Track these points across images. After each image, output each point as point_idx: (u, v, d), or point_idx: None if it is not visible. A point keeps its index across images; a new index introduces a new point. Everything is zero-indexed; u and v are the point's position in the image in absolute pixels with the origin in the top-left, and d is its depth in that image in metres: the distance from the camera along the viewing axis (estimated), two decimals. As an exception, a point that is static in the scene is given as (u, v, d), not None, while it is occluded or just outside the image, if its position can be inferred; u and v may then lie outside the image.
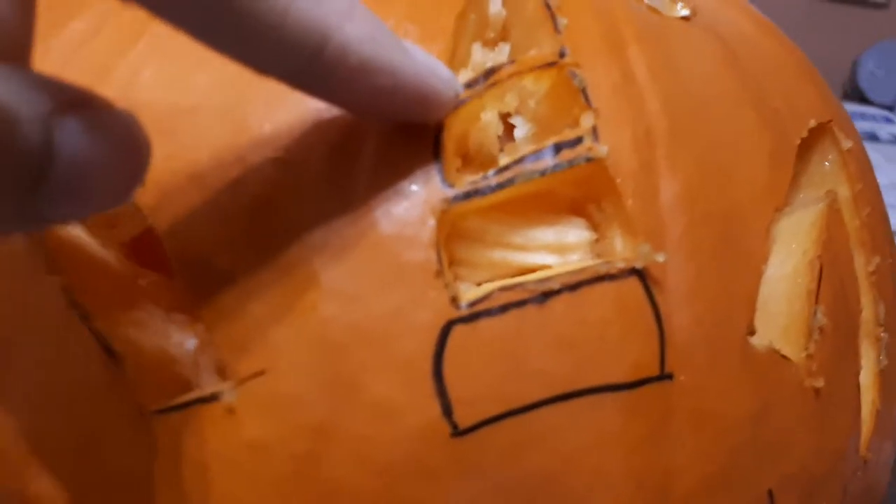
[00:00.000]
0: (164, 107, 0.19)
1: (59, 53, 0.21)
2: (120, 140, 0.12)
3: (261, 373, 0.17)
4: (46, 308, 0.18)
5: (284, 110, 0.18)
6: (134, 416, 0.17)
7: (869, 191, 0.25)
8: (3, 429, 0.18)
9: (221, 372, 0.17)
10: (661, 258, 0.18)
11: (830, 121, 0.25)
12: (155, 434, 0.17)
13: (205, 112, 0.18)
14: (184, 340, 0.18)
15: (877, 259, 0.24)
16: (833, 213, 0.22)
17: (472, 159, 0.20)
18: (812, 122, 0.24)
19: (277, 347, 0.17)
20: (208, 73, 0.19)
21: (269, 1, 0.13)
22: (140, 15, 0.21)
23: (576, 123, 0.19)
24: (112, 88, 0.20)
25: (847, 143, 0.25)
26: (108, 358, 0.17)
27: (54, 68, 0.21)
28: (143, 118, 0.19)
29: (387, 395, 0.16)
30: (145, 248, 0.19)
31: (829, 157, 0.25)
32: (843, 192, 0.24)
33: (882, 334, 0.24)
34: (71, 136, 0.11)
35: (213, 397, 0.17)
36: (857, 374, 0.22)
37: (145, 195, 0.18)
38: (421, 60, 0.16)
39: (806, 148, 0.25)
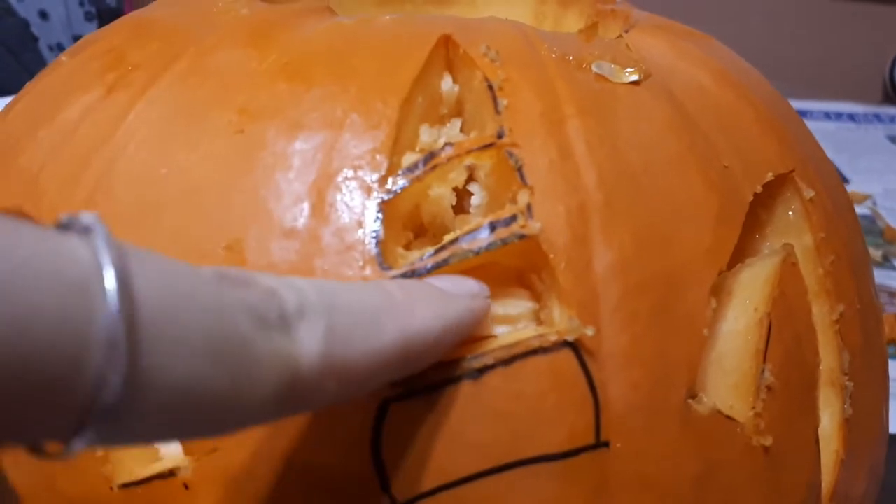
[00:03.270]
0: (131, 200, 0.20)
1: (48, 144, 0.23)
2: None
3: (214, 450, 0.18)
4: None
5: (236, 200, 0.19)
6: (102, 489, 0.18)
7: (835, 238, 0.25)
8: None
9: (186, 447, 0.19)
10: (590, 332, 0.18)
11: (792, 171, 0.25)
12: (123, 507, 0.18)
13: (168, 204, 0.20)
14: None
15: (841, 307, 0.24)
16: (788, 268, 0.23)
17: (427, 230, 0.21)
18: (769, 175, 0.24)
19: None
20: (169, 166, 0.20)
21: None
22: (120, 105, 0.23)
23: (515, 199, 0.20)
24: (91, 178, 0.22)
25: (809, 193, 0.25)
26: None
27: (43, 156, 0.23)
28: (116, 210, 0.21)
29: (327, 471, 0.17)
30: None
31: (793, 206, 0.25)
32: (807, 240, 0.25)
33: (847, 382, 0.24)
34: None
35: (171, 473, 0.18)
36: (815, 427, 0.22)
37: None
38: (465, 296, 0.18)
39: (770, 198, 0.25)
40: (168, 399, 0.12)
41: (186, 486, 0.18)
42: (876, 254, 0.72)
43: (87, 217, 0.12)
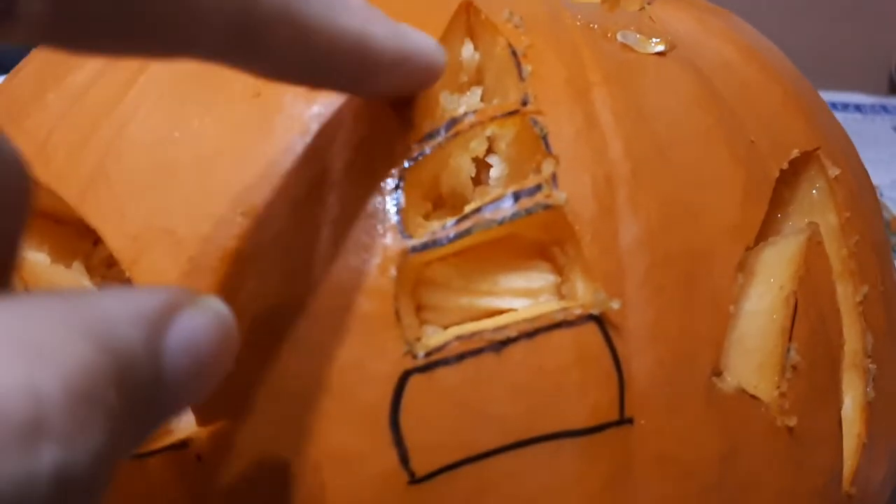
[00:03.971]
0: (142, 165, 0.20)
1: (56, 107, 0.23)
2: (214, 338, 0.12)
3: (227, 421, 0.17)
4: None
5: (252, 166, 0.19)
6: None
7: (858, 218, 0.25)
8: None
9: (199, 418, 0.18)
10: (616, 305, 0.18)
11: (817, 149, 0.24)
12: (132, 478, 0.18)
13: (180, 168, 0.19)
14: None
15: (865, 288, 0.24)
16: (813, 246, 0.22)
17: (445, 202, 0.21)
18: (795, 152, 0.23)
19: (244, 397, 0.17)
20: (182, 130, 0.20)
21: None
22: (130, 69, 0.22)
23: (539, 169, 0.19)
24: (101, 142, 0.21)
25: (835, 171, 0.24)
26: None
27: (51, 121, 0.22)
28: (126, 175, 0.20)
29: (346, 443, 0.17)
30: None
31: (817, 185, 0.25)
32: (831, 220, 0.24)
33: (870, 365, 0.23)
34: (174, 355, 0.11)
35: (183, 444, 0.17)
36: (838, 409, 0.22)
37: (125, 250, 0.19)
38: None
39: (794, 176, 0.24)
40: None
41: (199, 458, 0.17)
42: (882, 245, 0.71)
43: None
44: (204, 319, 0.12)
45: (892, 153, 0.88)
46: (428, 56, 0.18)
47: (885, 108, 1.02)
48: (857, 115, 0.98)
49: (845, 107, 0.99)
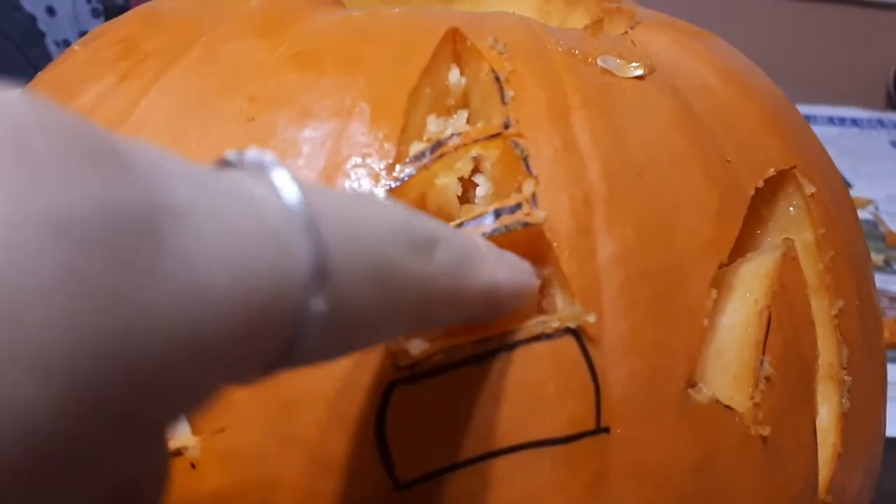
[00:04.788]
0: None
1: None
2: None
3: (221, 430, 0.18)
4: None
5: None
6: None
7: (835, 234, 0.25)
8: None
9: (194, 427, 0.19)
10: (591, 318, 0.19)
11: (794, 167, 0.25)
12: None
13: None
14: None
15: (840, 302, 0.24)
16: (788, 262, 0.23)
17: (433, 219, 0.21)
18: (771, 171, 0.24)
19: (238, 405, 0.18)
20: (181, 152, 0.21)
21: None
22: (133, 91, 0.23)
23: (520, 188, 0.20)
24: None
25: (811, 189, 0.25)
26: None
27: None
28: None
29: (334, 451, 0.18)
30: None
31: (794, 202, 0.25)
32: (808, 236, 0.25)
33: (845, 377, 0.24)
34: None
35: (178, 452, 0.18)
36: (813, 419, 0.22)
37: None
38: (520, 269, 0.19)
39: (772, 194, 0.25)
40: (346, 323, 0.13)
41: (193, 466, 0.18)
42: (878, 258, 0.72)
43: (266, 157, 0.12)
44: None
45: (888, 167, 0.89)
46: (531, 286, 0.19)
47: (881, 123, 1.02)
48: (855, 130, 0.99)
49: (842, 121, 1.00)
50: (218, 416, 0.18)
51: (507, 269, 0.17)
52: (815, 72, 1.04)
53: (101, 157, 0.10)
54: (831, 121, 0.99)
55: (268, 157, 0.13)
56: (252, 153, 0.13)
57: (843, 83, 1.05)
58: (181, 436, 0.19)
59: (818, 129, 1.03)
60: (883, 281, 0.68)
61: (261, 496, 0.18)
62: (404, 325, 0.15)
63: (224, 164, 0.13)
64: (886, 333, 0.65)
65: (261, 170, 0.12)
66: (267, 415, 0.18)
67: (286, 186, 0.12)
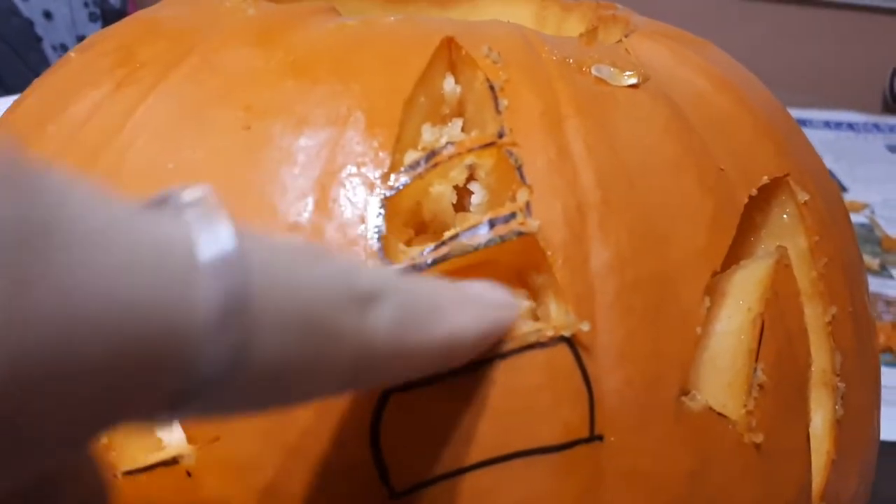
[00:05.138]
0: (141, 191, 0.21)
1: (57, 139, 0.24)
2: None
3: (216, 439, 0.18)
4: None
5: (242, 194, 0.20)
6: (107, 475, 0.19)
7: (828, 241, 0.26)
8: None
9: (190, 436, 0.19)
10: (585, 327, 0.19)
11: (787, 175, 0.25)
12: (126, 494, 0.19)
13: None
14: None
15: (833, 309, 0.25)
16: (781, 269, 0.23)
17: (428, 227, 0.22)
18: (765, 179, 0.24)
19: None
20: (177, 161, 0.21)
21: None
22: (129, 100, 0.23)
23: (514, 197, 0.20)
24: (100, 173, 0.22)
25: (804, 196, 0.25)
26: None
27: (52, 151, 0.23)
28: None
29: (329, 459, 0.18)
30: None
31: (787, 210, 0.26)
32: (801, 243, 0.25)
33: (839, 384, 0.24)
34: None
35: (174, 461, 0.18)
36: (806, 426, 0.23)
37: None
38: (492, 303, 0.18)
39: (765, 202, 0.25)
40: (261, 373, 0.12)
41: (189, 474, 0.18)
42: (873, 262, 0.72)
43: (203, 198, 0.12)
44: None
45: (884, 171, 0.89)
46: (503, 323, 0.18)
47: (877, 127, 1.03)
48: (851, 134, 0.99)
49: (839, 125, 1.00)
50: (213, 426, 0.18)
51: (473, 312, 0.17)
52: (811, 76, 1.04)
53: (11, 179, 0.10)
54: (827, 125, 0.99)
55: (205, 197, 0.12)
56: (190, 193, 0.13)
57: (839, 87, 1.06)
58: (177, 444, 0.19)
59: (814, 134, 1.04)
60: (879, 285, 0.68)
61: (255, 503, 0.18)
62: (337, 383, 0.14)
63: (159, 200, 0.13)
64: (882, 338, 0.65)
65: (193, 210, 0.12)
66: (263, 424, 0.18)
67: (214, 230, 0.12)
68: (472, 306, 0.17)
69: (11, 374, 0.10)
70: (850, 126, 1.01)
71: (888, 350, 0.62)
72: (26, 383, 0.10)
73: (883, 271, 0.71)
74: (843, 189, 0.83)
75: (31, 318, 0.10)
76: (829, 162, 0.89)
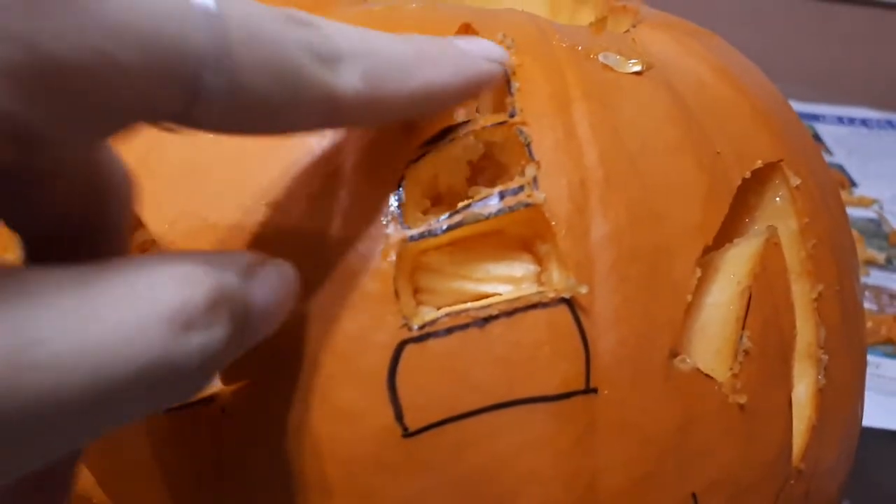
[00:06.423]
0: (181, 160, 0.23)
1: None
2: (284, 286, 0.17)
3: (248, 381, 0.20)
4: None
5: (275, 164, 0.22)
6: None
7: (818, 224, 0.27)
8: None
9: (224, 379, 0.21)
10: (584, 290, 0.21)
11: (780, 160, 0.27)
12: (165, 428, 0.21)
13: (212, 164, 0.22)
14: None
15: (820, 286, 0.26)
16: (770, 247, 0.25)
17: (443, 200, 0.23)
18: (759, 163, 0.26)
19: (262, 360, 0.20)
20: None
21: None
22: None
23: (523, 172, 0.22)
24: (144, 140, 0.24)
25: (796, 181, 0.27)
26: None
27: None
28: (166, 169, 0.23)
29: (349, 401, 0.20)
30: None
31: (780, 193, 0.27)
32: (792, 224, 0.27)
33: (822, 356, 0.26)
34: (258, 293, 0.16)
35: (210, 399, 0.20)
36: (788, 391, 0.24)
37: (164, 234, 0.22)
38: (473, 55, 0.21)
39: (760, 185, 0.27)
40: (241, 108, 0.15)
41: (223, 410, 0.20)
42: (880, 257, 0.73)
43: None
44: (277, 271, 0.17)
45: (895, 167, 0.90)
46: (486, 76, 0.21)
47: (890, 124, 1.03)
48: (864, 130, 1.00)
49: (852, 121, 1.01)
50: (246, 369, 0.20)
51: (452, 66, 0.19)
52: (826, 71, 1.05)
53: None
54: (840, 120, 1.00)
55: None
56: None
57: (853, 83, 1.06)
58: (213, 385, 0.21)
59: (827, 129, 1.04)
60: (885, 279, 0.70)
61: (281, 440, 0.20)
62: (316, 121, 0.17)
63: None
64: (884, 330, 0.66)
65: None
66: (289, 369, 0.20)
67: None
68: (452, 60, 0.19)
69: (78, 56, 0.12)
70: (864, 122, 1.01)
71: (891, 342, 0.63)
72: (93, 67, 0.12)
73: (889, 265, 0.73)
74: (854, 184, 0.84)
75: (87, 23, 0.12)
76: (840, 157, 0.90)
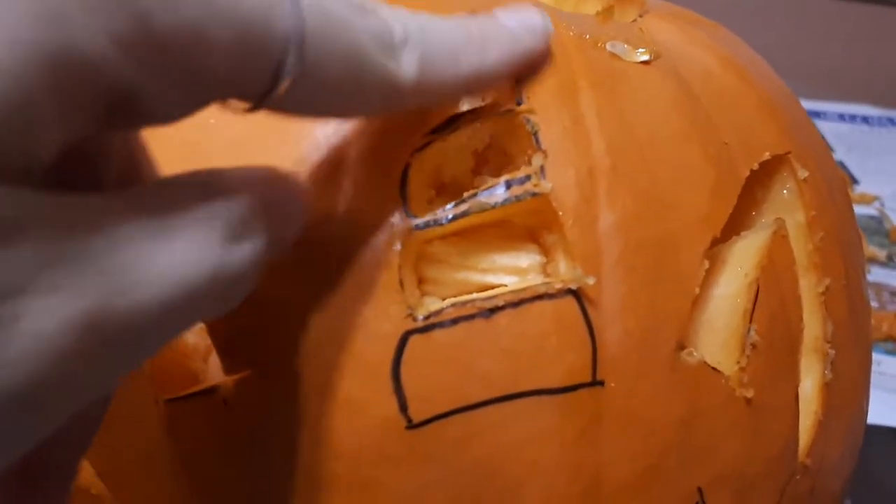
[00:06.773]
0: (185, 145, 0.22)
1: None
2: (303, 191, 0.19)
3: (250, 371, 0.20)
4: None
5: (278, 151, 0.21)
6: (149, 403, 0.21)
7: (825, 217, 0.27)
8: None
9: (226, 369, 0.21)
10: (590, 281, 0.20)
11: (788, 153, 0.27)
12: (166, 419, 0.21)
13: (215, 150, 0.22)
14: (197, 342, 0.22)
15: (827, 280, 0.26)
16: (778, 240, 0.25)
17: (447, 189, 0.23)
18: (766, 155, 0.26)
19: (265, 350, 0.20)
20: (218, 117, 0.22)
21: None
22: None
23: (530, 161, 0.22)
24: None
25: (804, 173, 0.27)
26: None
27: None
28: (169, 153, 0.23)
29: (353, 392, 0.20)
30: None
31: (788, 185, 0.27)
32: (799, 217, 0.27)
33: (829, 350, 0.26)
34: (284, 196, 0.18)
35: (212, 390, 0.20)
36: (795, 386, 0.24)
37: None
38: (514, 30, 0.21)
39: (767, 177, 0.27)
40: (314, 89, 0.16)
41: (225, 402, 0.20)
42: (881, 254, 0.73)
43: None
44: (294, 178, 0.19)
45: (896, 164, 0.90)
46: (531, 51, 0.21)
47: (891, 121, 1.03)
48: (865, 127, 1.00)
49: (853, 118, 1.01)
50: (248, 360, 0.20)
51: (498, 50, 0.20)
52: (827, 69, 1.05)
53: None
54: (842, 117, 1.00)
55: None
56: None
57: (855, 80, 1.06)
58: (215, 376, 0.21)
59: (828, 126, 1.04)
60: (886, 276, 0.69)
61: (285, 431, 0.20)
62: (377, 106, 0.18)
63: None
64: (886, 326, 0.66)
65: None
66: (292, 359, 0.20)
67: None
68: (498, 43, 0.20)
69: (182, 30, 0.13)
70: (865, 119, 1.01)
71: (892, 339, 0.63)
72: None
73: (890, 262, 0.72)
74: (855, 181, 0.84)
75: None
76: (841, 154, 0.90)
